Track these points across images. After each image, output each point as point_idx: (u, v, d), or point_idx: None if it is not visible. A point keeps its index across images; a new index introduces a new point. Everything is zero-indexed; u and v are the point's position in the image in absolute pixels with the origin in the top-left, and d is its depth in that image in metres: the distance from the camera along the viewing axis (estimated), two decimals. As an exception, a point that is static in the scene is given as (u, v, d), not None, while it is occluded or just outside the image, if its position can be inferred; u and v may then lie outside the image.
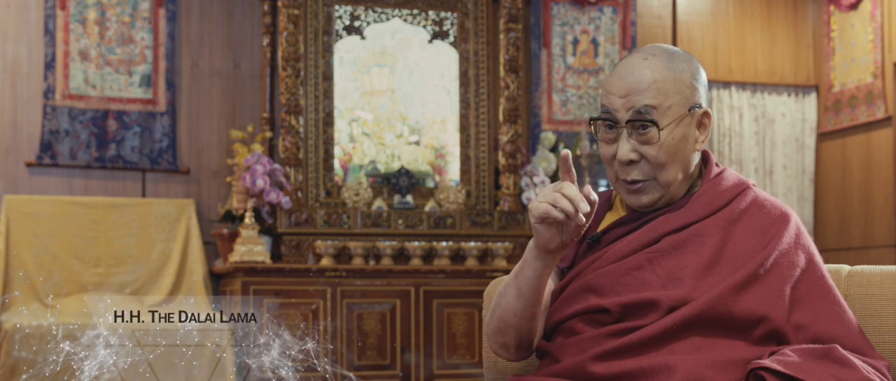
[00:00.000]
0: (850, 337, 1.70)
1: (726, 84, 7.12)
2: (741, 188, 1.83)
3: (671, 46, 1.86)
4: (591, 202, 1.66)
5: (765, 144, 7.20)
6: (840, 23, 7.01)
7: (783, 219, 1.79)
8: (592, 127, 1.85)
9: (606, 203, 1.95)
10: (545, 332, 1.85)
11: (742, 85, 7.15)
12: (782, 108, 7.22)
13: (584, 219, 1.65)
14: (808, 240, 1.80)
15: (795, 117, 7.24)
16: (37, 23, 5.72)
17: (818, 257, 1.79)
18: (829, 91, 7.12)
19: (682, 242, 1.76)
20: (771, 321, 1.67)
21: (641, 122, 1.77)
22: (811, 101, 7.23)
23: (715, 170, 1.86)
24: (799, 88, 7.24)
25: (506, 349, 1.85)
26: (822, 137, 7.22)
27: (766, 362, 1.58)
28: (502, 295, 1.82)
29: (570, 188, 1.65)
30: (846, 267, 1.89)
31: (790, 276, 1.72)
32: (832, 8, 7.06)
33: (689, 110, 1.79)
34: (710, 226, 1.77)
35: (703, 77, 1.84)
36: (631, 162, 1.79)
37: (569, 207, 1.64)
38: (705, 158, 1.88)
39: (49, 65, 5.69)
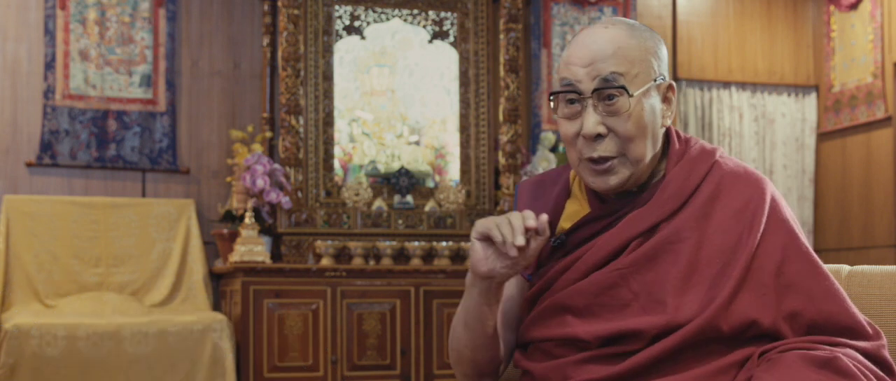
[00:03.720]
0: (844, 314, 1.62)
1: (726, 84, 7.12)
2: (707, 167, 1.70)
3: (629, 19, 1.75)
4: (540, 231, 1.59)
5: (765, 144, 7.20)
6: (840, 23, 7.01)
7: (756, 198, 1.67)
8: (552, 103, 1.70)
9: (564, 191, 1.82)
10: (521, 344, 1.78)
11: (742, 85, 7.15)
12: (782, 108, 7.22)
13: (515, 252, 1.57)
14: (785, 211, 1.69)
15: (795, 117, 7.24)
16: (37, 23, 5.72)
17: (796, 227, 1.68)
18: (829, 91, 7.12)
19: (655, 252, 1.65)
20: (760, 325, 1.60)
21: (608, 91, 1.64)
22: (811, 101, 7.23)
23: (678, 149, 1.73)
24: (799, 88, 7.24)
25: (467, 378, 1.79)
26: (822, 137, 7.22)
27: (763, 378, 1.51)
28: (454, 326, 1.76)
29: (517, 219, 1.58)
30: (846, 267, 1.86)
31: (775, 263, 1.63)
32: (832, 8, 7.06)
33: (655, 81, 1.68)
34: (682, 227, 1.65)
35: (664, 49, 1.73)
36: (598, 136, 1.65)
37: (508, 233, 1.56)
38: (667, 136, 1.75)
39: (49, 65, 5.69)
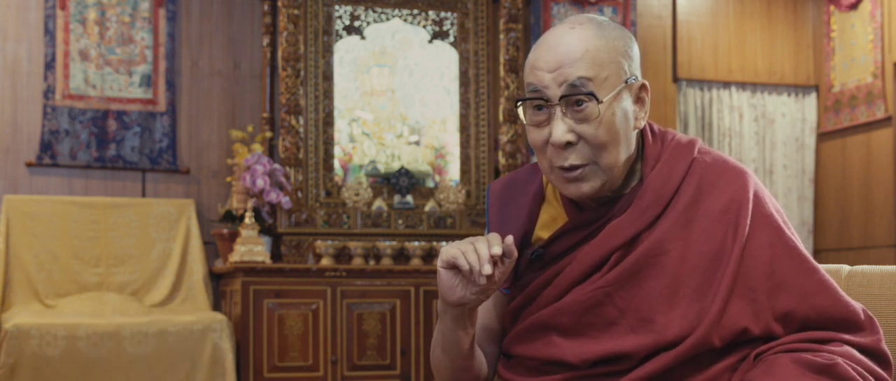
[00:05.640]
0: (837, 306, 1.58)
1: (726, 84, 7.11)
2: (685, 167, 1.64)
3: (598, 16, 1.68)
4: (507, 255, 1.54)
5: (765, 144, 7.20)
6: (840, 23, 7.01)
7: (739, 195, 1.61)
8: (520, 111, 1.63)
9: (538, 196, 1.75)
10: (505, 354, 1.75)
11: (742, 85, 7.15)
12: (782, 108, 7.22)
13: (484, 280, 1.52)
14: (768, 204, 1.63)
15: (795, 117, 7.24)
16: (37, 23, 5.72)
17: (781, 221, 1.62)
18: (829, 91, 7.12)
19: (638, 267, 1.59)
20: (751, 332, 1.57)
21: (577, 97, 1.57)
22: (811, 101, 7.23)
23: (654, 148, 1.67)
24: (799, 88, 7.24)
25: None
26: (822, 137, 7.22)
27: None
28: (433, 348, 1.72)
29: (483, 246, 1.52)
30: (846, 267, 1.85)
31: (764, 263, 1.58)
32: (832, 8, 7.06)
33: (626, 82, 1.60)
34: (665, 238, 1.59)
35: (636, 47, 1.65)
36: (568, 144, 1.59)
37: (474, 261, 1.51)
38: (641, 134, 1.68)
39: (49, 65, 5.69)
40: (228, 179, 5.87)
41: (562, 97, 1.58)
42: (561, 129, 1.58)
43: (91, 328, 4.96)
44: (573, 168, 1.60)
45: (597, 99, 1.57)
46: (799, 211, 7.21)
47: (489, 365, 1.78)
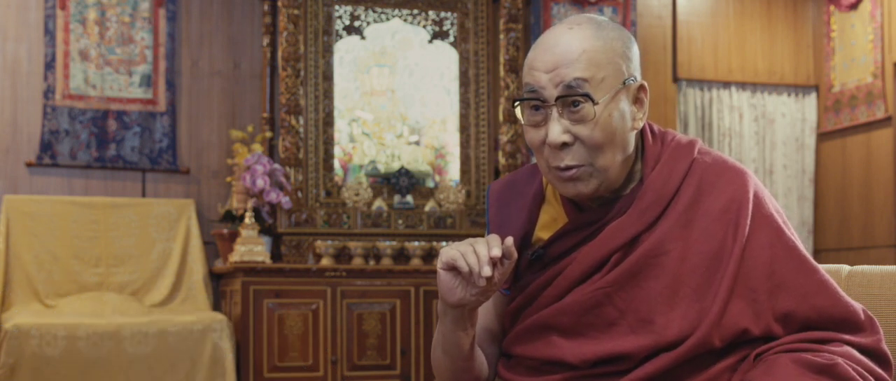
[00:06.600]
0: (837, 307, 1.58)
1: (726, 84, 7.11)
2: (686, 167, 1.64)
3: (597, 15, 1.68)
4: (506, 256, 1.54)
5: (765, 144, 7.20)
6: (840, 23, 7.01)
7: (739, 196, 1.61)
8: (518, 110, 1.63)
9: (538, 197, 1.75)
10: (505, 355, 1.76)
11: (742, 85, 7.15)
12: (782, 108, 7.22)
13: (484, 282, 1.52)
14: (768, 205, 1.63)
15: (795, 117, 7.24)
16: (37, 23, 5.72)
17: (781, 221, 1.62)
18: (829, 91, 7.12)
19: (638, 267, 1.59)
20: (751, 332, 1.57)
21: (573, 98, 1.57)
22: (811, 101, 7.23)
23: (654, 149, 1.67)
24: (799, 88, 7.24)
25: None
26: (822, 137, 7.22)
27: None
28: (433, 350, 1.73)
29: (483, 247, 1.52)
30: (846, 267, 1.84)
31: (764, 263, 1.58)
32: (832, 8, 7.06)
33: (624, 83, 1.60)
34: (665, 238, 1.59)
35: (636, 48, 1.65)
36: (564, 145, 1.58)
37: (473, 263, 1.51)
38: (641, 134, 1.68)
39: (49, 65, 5.69)
40: (228, 179, 5.87)
41: (558, 98, 1.58)
42: (557, 129, 1.58)
43: (91, 328, 4.96)
44: (568, 168, 1.60)
45: (593, 100, 1.57)
46: (799, 211, 7.21)
47: (489, 366, 1.78)
